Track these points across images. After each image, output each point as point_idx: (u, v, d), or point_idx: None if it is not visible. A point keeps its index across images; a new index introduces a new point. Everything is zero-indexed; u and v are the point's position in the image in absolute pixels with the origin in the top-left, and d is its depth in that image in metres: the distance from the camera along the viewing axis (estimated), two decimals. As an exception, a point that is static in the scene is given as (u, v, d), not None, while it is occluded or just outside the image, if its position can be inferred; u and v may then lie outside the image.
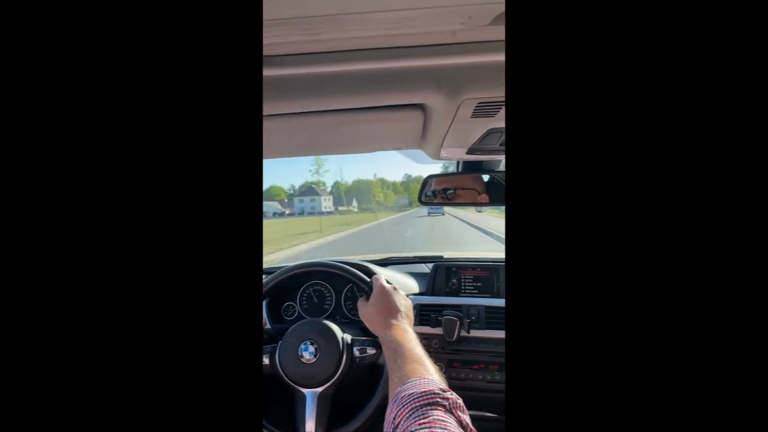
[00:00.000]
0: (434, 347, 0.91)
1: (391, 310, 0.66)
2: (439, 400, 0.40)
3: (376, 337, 0.71)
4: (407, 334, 0.59)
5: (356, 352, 0.74)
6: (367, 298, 0.74)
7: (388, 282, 0.74)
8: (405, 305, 0.68)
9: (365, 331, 0.76)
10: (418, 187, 0.89)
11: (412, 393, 0.42)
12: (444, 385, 0.44)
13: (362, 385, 0.75)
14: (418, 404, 0.40)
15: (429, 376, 0.46)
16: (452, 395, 0.41)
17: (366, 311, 0.70)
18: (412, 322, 0.67)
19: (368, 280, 0.78)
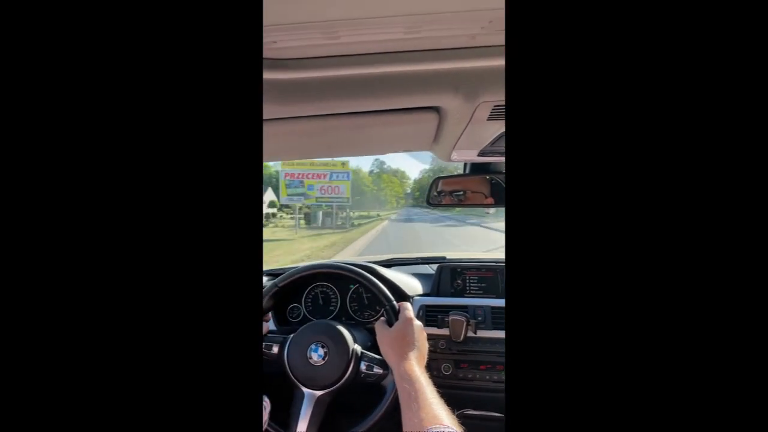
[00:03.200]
0: (441, 348, 0.91)
1: (411, 346, 0.65)
2: None
3: None
4: (424, 375, 0.59)
5: (363, 367, 0.74)
6: (389, 323, 0.73)
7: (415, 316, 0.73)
8: (425, 346, 0.67)
9: (372, 335, 0.76)
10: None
11: None
12: None
13: (361, 400, 0.75)
14: None
15: (451, 426, 0.47)
16: None
17: (386, 337, 0.69)
18: (424, 363, 0.66)
19: (395, 305, 0.77)
